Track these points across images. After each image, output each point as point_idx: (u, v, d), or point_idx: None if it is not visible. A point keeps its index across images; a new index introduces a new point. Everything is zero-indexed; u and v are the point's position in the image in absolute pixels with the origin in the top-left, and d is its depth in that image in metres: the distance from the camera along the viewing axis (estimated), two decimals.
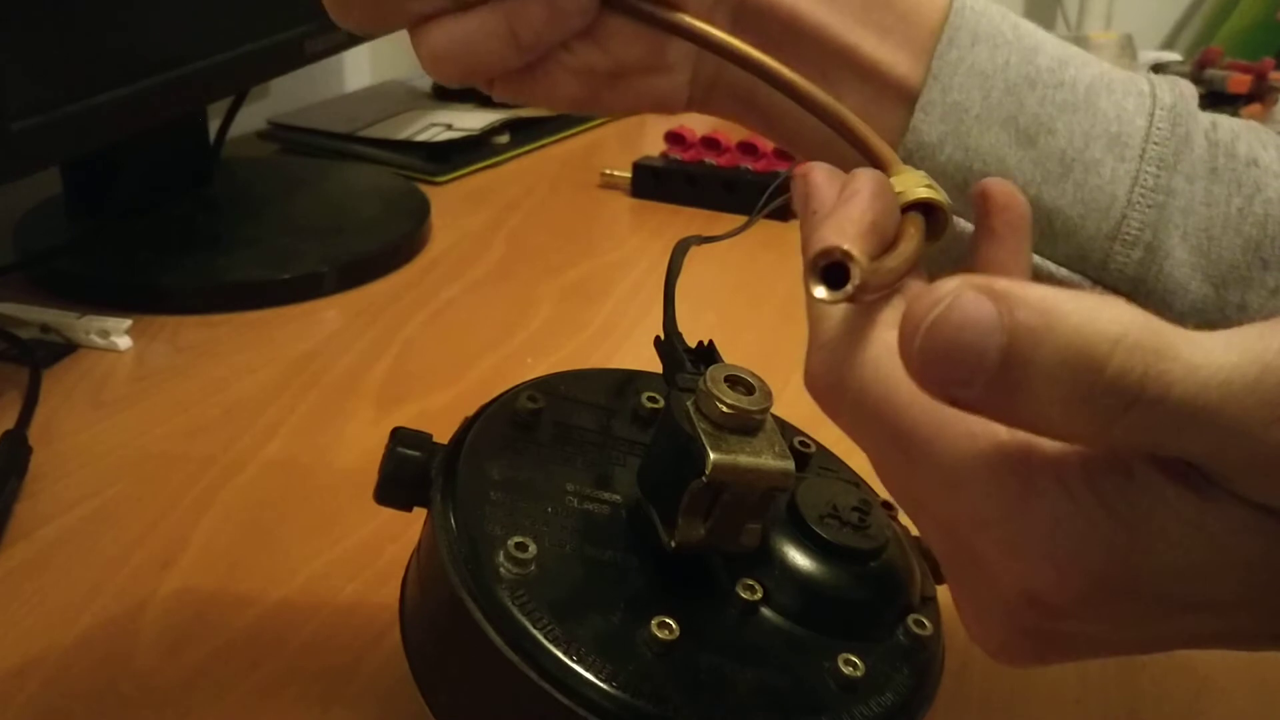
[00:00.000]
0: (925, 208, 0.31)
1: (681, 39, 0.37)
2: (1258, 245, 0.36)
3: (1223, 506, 0.21)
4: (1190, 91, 0.38)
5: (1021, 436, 0.22)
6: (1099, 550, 0.22)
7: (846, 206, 0.27)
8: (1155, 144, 0.36)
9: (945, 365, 0.20)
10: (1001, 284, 0.20)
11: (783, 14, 0.37)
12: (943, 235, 0.32)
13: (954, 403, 0.21)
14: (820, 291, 0.22)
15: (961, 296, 0.20)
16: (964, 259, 0.33)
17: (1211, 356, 0.19)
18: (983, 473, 0.22)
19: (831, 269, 0.22)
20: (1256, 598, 0.22)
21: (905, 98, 0.37)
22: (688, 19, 0.36)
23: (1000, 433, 0.22)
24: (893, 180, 0.31)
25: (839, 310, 0.26)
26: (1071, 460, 0.22)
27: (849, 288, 0.21)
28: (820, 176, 0.31)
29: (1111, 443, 0.21)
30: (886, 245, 0.27)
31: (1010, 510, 0.22)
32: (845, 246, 0.22)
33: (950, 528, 0.24)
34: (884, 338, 0.25)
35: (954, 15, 0.37)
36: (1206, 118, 0.37)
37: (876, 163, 0.33)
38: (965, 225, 0.37)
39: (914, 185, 0.32)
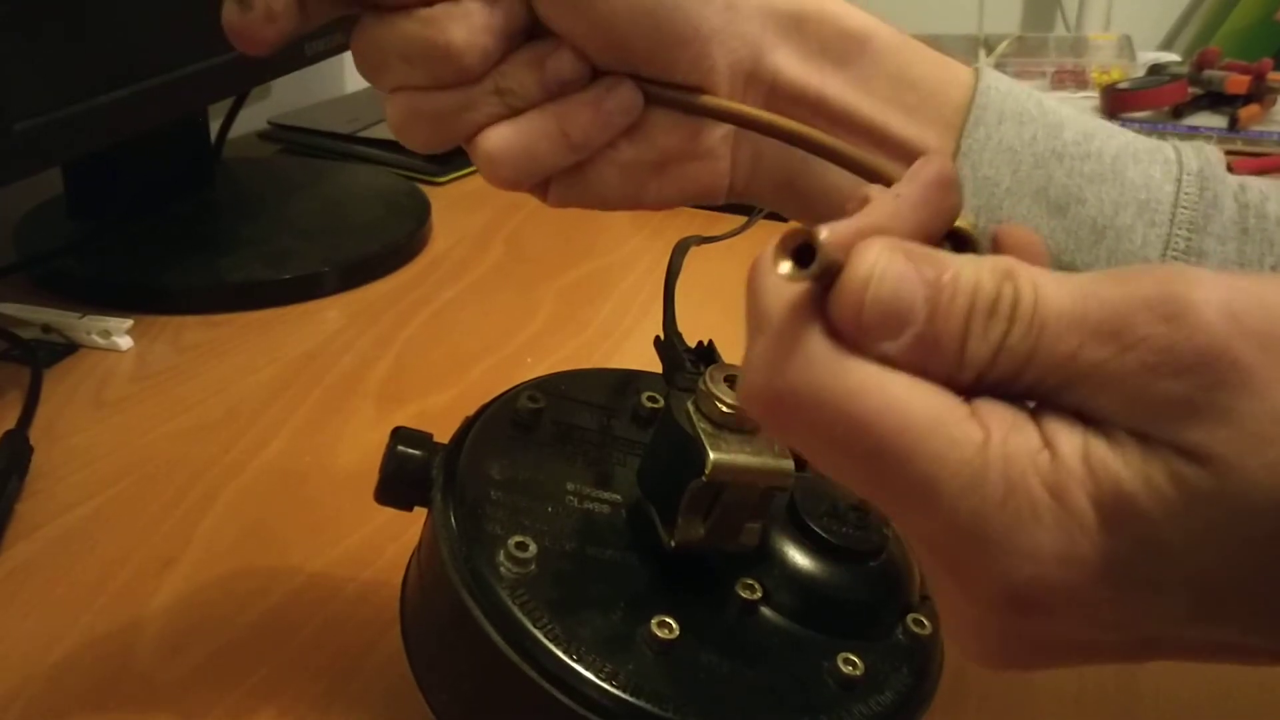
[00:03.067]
0: (957, 238, 0.31)
1: (720, 121, 0.38)
2: None
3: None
4: (1216, 156, 0.39)
5: (997, 437, 0.22)
6: (1080, 541, 0.22)
7: (885, 199, 0.27)
8: (1184, 208, 0.37)
9: (882, 321, 0.23)
10: (913, 246, 0.23)
11: (811, 98, 0.38)
12: None
13: (884, 359, 0.23)
14: (785, 267, 0.23)
15: (895, 254, 0.23)
16: None
17: (1052, 284, 0.23)
18: (963, 478, 0.22)
19: (800, 250, 0.23)
20: (1246, 592, 0.22)
21: None
22: (723, 101, 0.37)
23: (974, 434, 0.22)
24: None
25: (770, 325, 0.25)
26: (1043, 457, 0.22)
27: (813, 267, 0.22)
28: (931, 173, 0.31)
29: (1006, 382, 0.23)
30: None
31: (990, 513, 0.22)
32: (816, 229, 0.23)
33: (930, 532, 0.24)
34: (829, 346, 0.24)
35: (979, 95, 0.38)
36: (1234, 180, 0.38)
37: None
38: None
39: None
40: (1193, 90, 1.18)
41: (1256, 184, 0.38)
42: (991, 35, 1.35)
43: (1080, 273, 0.23)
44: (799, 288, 0.24)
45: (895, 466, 0.23)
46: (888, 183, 0.35)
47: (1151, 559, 0.22)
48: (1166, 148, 0.39)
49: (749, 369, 0.25)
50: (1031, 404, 0.23)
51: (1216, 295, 0.21)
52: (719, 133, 0.39)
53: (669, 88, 0.37)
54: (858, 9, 0.38)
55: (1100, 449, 0.22)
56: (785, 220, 0.42)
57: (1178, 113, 1.17)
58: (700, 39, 0.36)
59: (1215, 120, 1.16)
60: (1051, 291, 0.22)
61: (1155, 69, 1.26)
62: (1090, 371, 0.22)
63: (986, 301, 0.23)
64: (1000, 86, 0.39)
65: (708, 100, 0.37)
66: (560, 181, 0.39)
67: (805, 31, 0.38)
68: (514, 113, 0.36)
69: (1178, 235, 0.37)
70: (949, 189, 0.28)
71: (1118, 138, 0.39)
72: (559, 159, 0.37)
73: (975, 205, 0.38)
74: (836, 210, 0.39)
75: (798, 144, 0.37)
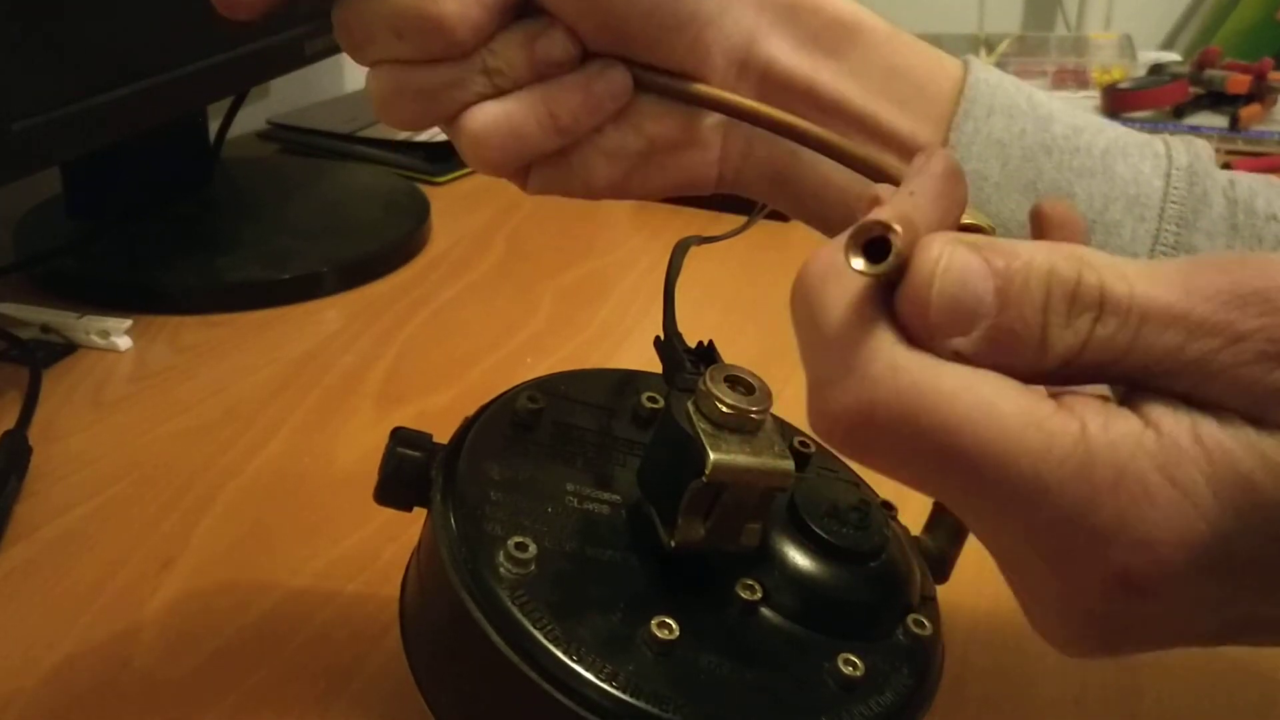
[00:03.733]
0: (970, 231, 0.31)
1: (712, 110, 0.37)
2: None
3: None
4: (1206, 151, 0.39)
5: (1095, 425, 0.22)
6: (1198, 524, 0.22)
7: (901, 197, 0.27)
8: (1174, 203, 0.37)
9: (952, 315, 0.22)
10: (975, 237, 0.23)
11: (802, 86, 0.38)
12: None
13: (955, 355, 0.23)
14: (859, 263, 0.22)
15: (959, 248, 0.22)
16: None
17: (1145, 274, 0.22)
18: (1068, 469, 0.22)
19: (872, 244, 0.22)
20: None
21: None
22: (716, 90, 0.37)
23: (1070, 425, 0.22)
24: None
25: (839, 336, 0.24)
26: (1149, 436, 0.22)
27: (890, 259, 0.22)
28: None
29: (1094, 371, 0.23)
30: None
31: (1102, 500, 0.22)
32: (887, 219, 0.22)
33: (1032, 529, 0.23)
34: (907, 349, 0.23)
35: (969, 88, 0.38)
36: (1224, 176, 0.38)
37: None
38: None
39: (970, 215, 0.31)
40: (1193, 90, 1.18)
41: (1246, 180, 0.38)
42: (992, 34, 1.35)
43: (1161, 260, 0.23)
44: (857, 292, 0.23)
45: (997, 470, 0.22)
46: (878, 176, 0.35)
47: (1265, 537, 0.22)
48: (1156, 142, 0.39)
49: (818, 388, 0.24)
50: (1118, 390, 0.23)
51: None
52: (709, 122, 0.38)
53: (660, 73, 0.37)
54: None
55: (1210, 427, 0.22)
56: (786, 220, 0.42)
57: (1179, 112, 1.17)
58: (696, 23, 0.36)
59: (1216, 120, 1.16)
60: (1146, 283, 0.22)
61: (1156, 69, 1.26)
62: (1199, 363, 0.22)
63: (1065, 288, 0.22)
64: (989, 79, 0.38)
65: (699, 88, 0.37)
66: (543, 166, 0.38)
67: (798, 19, 0.37)
68: (500, 93, 0.36)
69: (1166, 230, 0.37)
70: (957, 180, 0.28)
71: (1107, 132, 0.38)
72: (545, 142, 0.36)
73: None
74: (828, 203, 0.39)
75: (789, 135, 0.37)
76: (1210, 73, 1.18)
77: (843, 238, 0.23)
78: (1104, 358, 0.22)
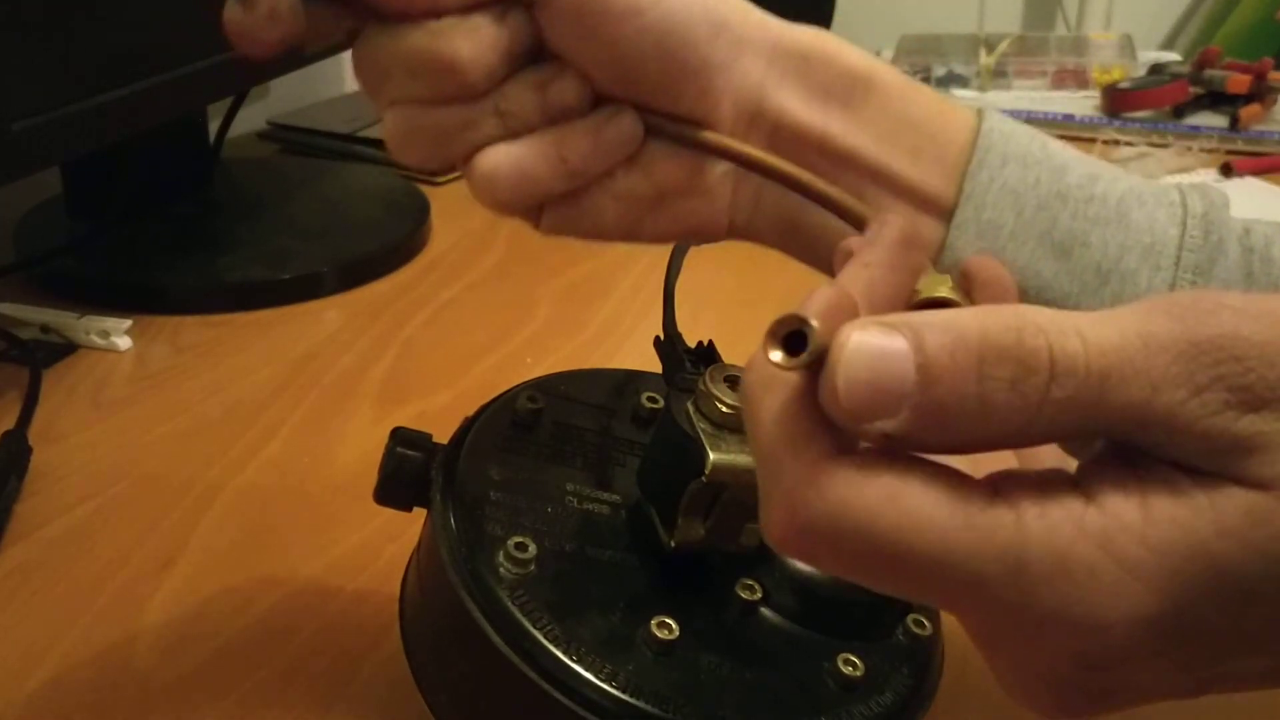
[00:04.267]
0: (943, 305, 0.30)
1: (719, 158, 0.38)
2: None
3: (1225, 492, 0.21)
4: (1221, 199, 0.38)
5: (1031, 512, 0.22)
6: (1146, 600, 0.21)
7: (855, 269, 0.27)
8: (1189, 251, 0.37)
9: (868, 401, 0.21)
10: (897, 316, 0.22)
11: (815, 138, 0.38)
12: None
13: (886, 440, 0.22)
14: (777, 356, 0.22)
15: (867, 331, 0.21)
16: None
17: (1097, 328, 0.22)
18: (1006, 564, 0.22)
19: (794, 336, 0.22)
20: None
21: (940, 214, 0.38)
22: (723, 139, 0.37)
23: (1003, 517, 0.22)
24: (920, 283, 0.31)
25: (770, 453, 0.23)
26: (1091, 515, 0.22)
27: (807, 353, 0.21)
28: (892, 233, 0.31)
29: (1053, 432, 0.22)
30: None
31: (1045, 591, 0.22)
32: (803, 314, 0.22)
33: (986, 620, 0.23)
34: (832, 461, 0.23)
35: (983, 138, 0.38)
36: (1239, 224, 0.38)
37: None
38: None
39: (936, 285, 0.31)
40: (1193, 90, 1.18)
41: (1261, 227, 0.38)
42: (992, 34, 1.35)
43: (1106, 310, 0.22)
44: (787, 401, 0.23)
45: (935, 574, 0.22)
46: None
47: (1226, 601, 0.21)
48: (1171, 191, 0.39)
49: (761, 501, 0.24)
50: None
51: (1263, 332, 0.21)
52: (720, 170, 0.39)
53: (670, 120, 0.37)
54: (859, 49, 0.38)
55: (1160, 499, 0.21)
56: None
57: (1178, 112, 1.17)
58: (707, 72, 0.36)
59: (1216, 120, 1.16)
60: (1101, 336, 0.21)
61: (1156, 68, 1.26)
62: (1167, 416, 0.21)
63: (1002, 354, 0.21)
64: (1003, 129, 0.38)
65: (708, 136, 0.37)
66: (555, 209, 0.38)
67: (810, 70, 0.37)
68: (512, 135, 0.36)
69: (1183, 279, 0.37)
70: (912, 247, 0.27)
71: (1122, 181, 0.38)
72: (556, 184, 0.37)
73: (979, 248, 0.37)
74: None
75: (795, 188, 0.37)
76: (1210, 73, 1.18)
77: (768, 329, 0.23)
78: (1070, 418, 0.22)
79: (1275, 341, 0.21)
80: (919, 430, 0.22)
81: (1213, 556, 0.21)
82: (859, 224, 0.36)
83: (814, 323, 0.22)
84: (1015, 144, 0.38)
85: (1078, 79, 1.26)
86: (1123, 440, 0.22)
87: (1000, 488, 0.22)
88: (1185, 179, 1.00)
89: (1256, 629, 0.22)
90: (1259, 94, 1.16)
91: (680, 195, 0.39)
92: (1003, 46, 1.30)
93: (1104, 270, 0.37)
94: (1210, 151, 1.11)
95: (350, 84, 1.20)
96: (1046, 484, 0.22)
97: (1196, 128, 1.15)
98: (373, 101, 0.37)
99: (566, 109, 0.36)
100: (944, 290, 0.30)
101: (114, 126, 0.64)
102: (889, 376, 0.21)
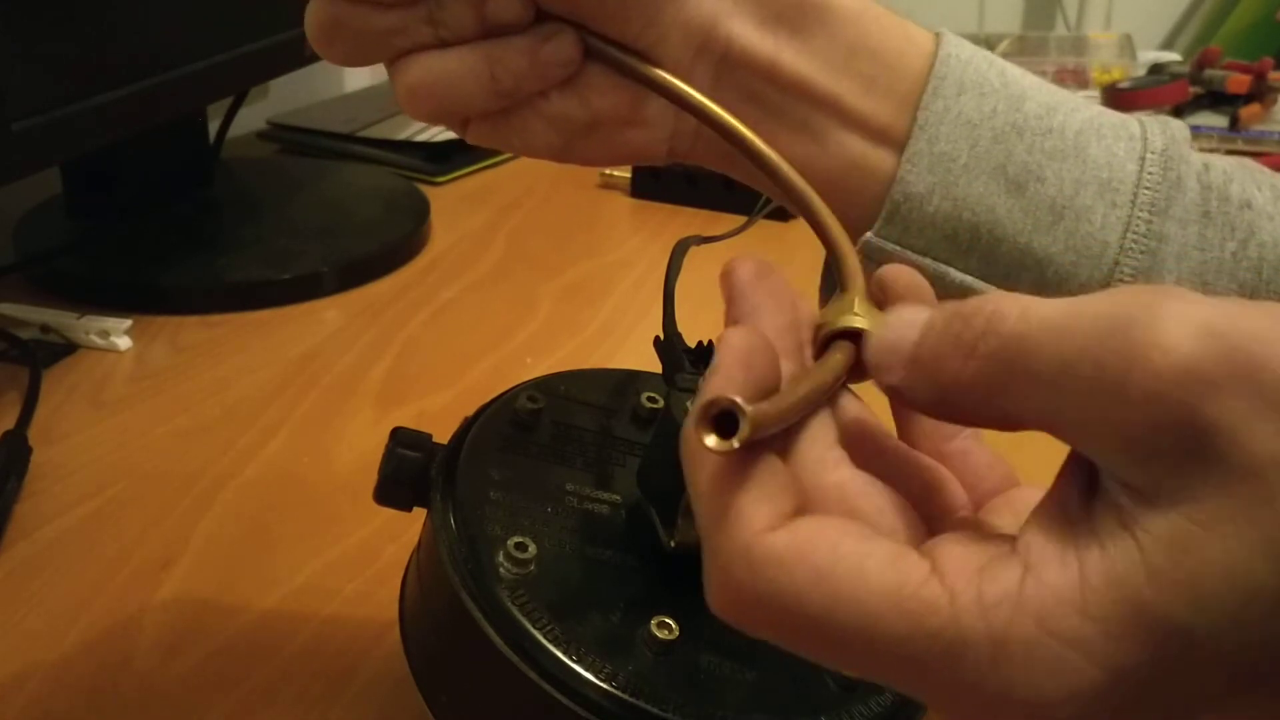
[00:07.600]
0: (852, 335, 0.27)
1: (659, 95, 0.36)
2: (1253, 290, 0.36)
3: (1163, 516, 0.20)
4: (1182, 133, 0.38)
5: (966, 592, 0.21)
6: (1089, 672, 0.20)
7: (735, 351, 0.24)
8: (1147, 189, 0.36)
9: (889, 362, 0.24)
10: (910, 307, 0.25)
11: (763, 66, 0.36)
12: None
13: (891, 391, 0.24)
14: (711, 441, 0.22)
15: (901, 313, 0.24)
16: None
17: (1040, 305, 0.22)
18: (941, 646, 0.21)
19: (723, 416, 0.22)
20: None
21: (892, 146, 0.37)
22: (667, 77, 0.35)
23: (937, 597, 0.21)
24: (827, 310, 0.28)
25: (706, 523, 0.23)
26: (1029, 585, 0.21)
27: (738, 437, 0.21)
28: (745, 275, 0.28)
29: (992, 394, 0.22)
30: (773, 387, 0.24)
31: (983, 673, 0.21)
32: (732, 395, 0.21)
33: (920, 694, 0.23)
34: (766, 533, 0.22)
35: (939, 64, 0.37)
36: (1199, 159, 0.37)
37: (837, 258, 0.31)
38: (968, 280, 0.37)
39: (842, 312, 0.27)
40: (1193, 89, 1.18)
41: (1220, 164, 0.37)
42: (992, 34, 1.35)
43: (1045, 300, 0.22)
44: (715, 468, 0.22)
45: (870, 656, 0.22)
46: (802, 203, 0.34)
47: (1171, 658, 0.20)
48: (1132, 123, 0.38)
49: (704, 575, 0.23)
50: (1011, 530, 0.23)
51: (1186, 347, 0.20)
52: (661, 101, 0.37)
53: (614, 46, 0.35)
54: None
55: (1094, 558, 0.21)
56: (786, 220, 0.42)
57: (1178, 112, 1.17)
58: None
59: (1216, 120, 1.16)
60: (1041, 310, 0.22)
61: (1156, 68, 1.26)
62: (1090, 394, 0.21)
63: (954, 311, 0.23)
64: (961, 54, 0.37)
65: (650, 70, 0.35)
66: (482, 122, 0.37)
67: None
68: (443, 44, 0.34)
69: (1138, 218, 0.36)
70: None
71: (1081, 111, 0.37)
72: (483, 102, 0.35)
73: (931, 181, 0.36)
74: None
75: (733, 143, 0.35)
76: (1210, 72, 1.18)
77: (697, 408, 0.22)
78: (997, 372, 0.22)
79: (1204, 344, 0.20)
80: (910, 383, 0.24)
81: (1147, 610, 0.20)
82: (784, 186, 0.34)
83: (747, 409, 0.21)
84: (972, 71, 0.37)
85: (1078, 79, 1.26)
86: (1053, 432, 0.22)
87: (939, 562, 0.22)
88: None
89: (1218, 675, 0.20)
90: (1259, 94, 1.16)
91: (616, 125, 0.37)
92: (1003, 46, 1.30)
93: (1058, 207, 0.36)
94: (1210, 151, 1.11)
95: (350, 84, 1.20)
96: (986, 553, 0.22)
97: (1196, 128, 1.15)
98: None
99: (504, 24, 0.34)
100: (849, 317, 0.27)
101: (114, 126, 0.64)
102: (898, 342, 0.24)
